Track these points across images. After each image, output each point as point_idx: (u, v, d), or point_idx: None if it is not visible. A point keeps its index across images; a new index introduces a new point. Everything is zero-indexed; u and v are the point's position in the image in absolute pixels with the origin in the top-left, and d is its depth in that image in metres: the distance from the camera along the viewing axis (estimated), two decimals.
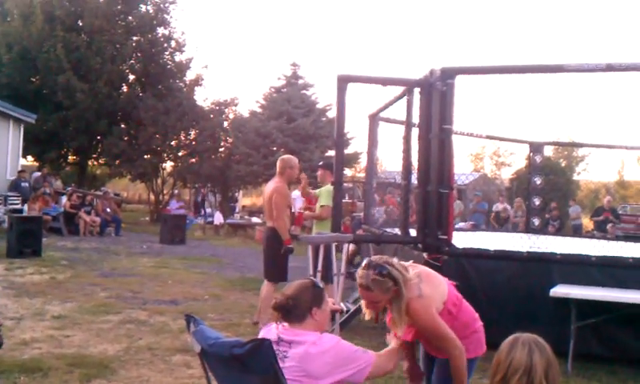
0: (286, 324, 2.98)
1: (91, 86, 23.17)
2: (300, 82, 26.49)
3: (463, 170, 32.77)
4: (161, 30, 26.21)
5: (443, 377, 3.41)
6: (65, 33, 23.19)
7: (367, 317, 3.45)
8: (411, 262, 3.45)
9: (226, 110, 26.20)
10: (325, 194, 8.15)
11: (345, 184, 16.64)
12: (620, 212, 20.41)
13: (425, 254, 6.75)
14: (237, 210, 25.35)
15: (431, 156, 6.96)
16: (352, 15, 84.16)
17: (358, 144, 25.02)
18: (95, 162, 28.75)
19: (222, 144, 25.95)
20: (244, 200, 31.97)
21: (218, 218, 21.53)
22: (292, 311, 2.97)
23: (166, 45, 26.21)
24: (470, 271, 6.82)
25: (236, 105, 26.47)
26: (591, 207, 28.25)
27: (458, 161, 42.90)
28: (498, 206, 19.24)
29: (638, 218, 23.57)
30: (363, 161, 23.00)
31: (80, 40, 23.72)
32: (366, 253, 8.77)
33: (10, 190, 18.43)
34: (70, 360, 5.67)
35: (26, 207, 16.99)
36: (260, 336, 2.92)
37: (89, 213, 17.70)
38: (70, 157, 27.13)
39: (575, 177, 35.33)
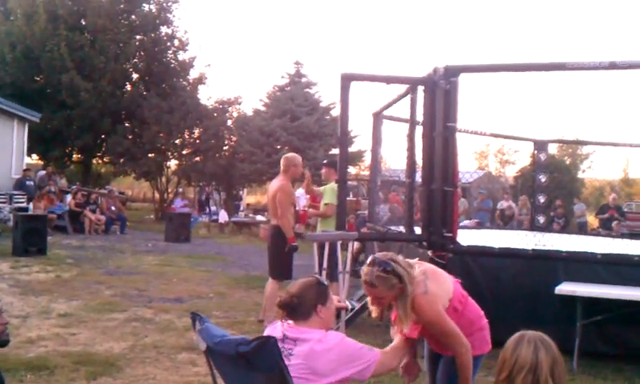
0: (291, 322, 2.98)
1: (95, 85, 23.22)
2: (303, 80, 26.48)
3: (467, 167, 32.67)
4: (164, 29, 26.30)
5: (449, 374, 3.41)
6: (68, 32, 23.24)
7: (374, 314, 3.45)
8: (417, 259, 3.45)
9: (230, 109, 26.25)
10: (329, 192, 8.14)
11: (349, 182, 16.65)
12: (625, 209, 20.33)
13: (429, 252, 6.74)
14: (241, 208, 25.35)
15: (435, 154, 6.95)
16: (355, 13, 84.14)
17: (362, 142, 25.11)
18: (100, 161, 28.83)
19: (225, 142, 25.99)
20: (248, 198, 31.98)
21: (223, 216, 21.55)
22: (297, 309, 2.98)
23: (169, 43, 26.28)
24: (474, 269, 6.81)
25: (240, 103, 26.53)
26: (596, 205, 28.18)
27: (463, 159, 42.77)
28: (503, 204, 19.22)
29: None
30: (367, 159, 23.04)
31: (83, 39, 23.78)
32: (371, 251, 8.76)
33: (15, 188, 18.50)
34: (75, 358, 5.68)
35: (31, 206, 17.02)
36: (265, 334, 2.92)
37: (94, 211, 17.74)
38: (74, 155, 27.21)
39: (580, 174, 35.23)
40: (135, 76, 26.50)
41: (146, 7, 25.94)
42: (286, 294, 3.04)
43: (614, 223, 17.42)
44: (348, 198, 10.08)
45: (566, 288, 6.28)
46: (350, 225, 11.47)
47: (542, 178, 12.49)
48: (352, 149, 24.12)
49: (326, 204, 8.24)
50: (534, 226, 12.31)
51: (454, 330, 3.22)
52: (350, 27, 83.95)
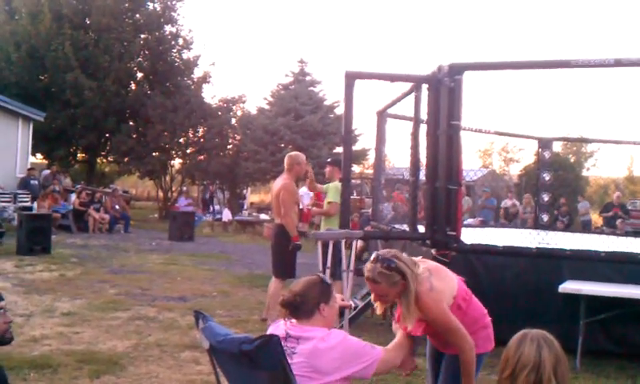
0: (294, 320, 2.99)
1: (99, 84, 23.25)
2: (307, 78, 26.45)
3: (472, 166, 32.69)
4: (168, 28, 26.30)
5: (452, 372, 3.40)
6: (73, 31, 23.25)
7: (378, 311, 3.46)
8: (421, 257, 3.45)
9: (234, 108, 26.23)
10: (332, 191, 8.14)
11: (353, 180, 16.64)
12: (629, 208, 20.24)
13: (433, 250, 6.74)
14: (245, 207, 25.36)
15: (439, 152, 6.95)
16: (359, 11, 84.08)
17: (365, 140, 25.04)
18: (104, 160, 28.85)
19: (229, 141, 25.99)
20: (252, 197, 32.00)
21: (227, 215, 21.57)
22: (300, 308, 2.98)
23: (173, 42, 26.29)
24: (478, 267, 6.81)
25: (244, 102, 26.52)
26: (600, 203, 28.13)
27: (467, 157, 42.87)
28: (507, 202, 19.19)
29: None
30: (371, 157, 22.98)
31: (88, 38, 23.80)
32: (374, 249, 8.75)
33: (19, 187, 18.54)
34: (79, 356, 5.70)
35: (35, 205, 17.06)
36: (268, 332, 2.92)
37: (98, 210, 17.77)
38: (78, 154, 27.25)
39: (584, 172, 35.17)
40: (139, 75, 26.53)
41: (150, 6, 25.96)
42: (289, 293, 3.04)
43: (618, 221, 17.39)
44: (352, 197, 10.05)
45: (569, 286, 6.27)
46: (353, 223, 11.46)
47: (547, 176, 12.48)
48: (356, 147, 24.11)
49: (329, 202, 8.24)
50: (537, 225, 12.30)
51: (458, 327, 3.22)
52: (354, 25, 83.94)
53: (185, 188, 25.52)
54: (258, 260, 13.01)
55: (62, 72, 22.95)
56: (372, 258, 3.23)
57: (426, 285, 3.20)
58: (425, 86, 7.23)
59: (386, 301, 3.30)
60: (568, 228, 16.34)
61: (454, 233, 6.77)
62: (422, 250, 6.99)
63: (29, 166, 20.15)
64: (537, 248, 6.96)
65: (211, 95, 38.78)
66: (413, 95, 7.56)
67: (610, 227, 17.02)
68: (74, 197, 18.53)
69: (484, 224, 15.53)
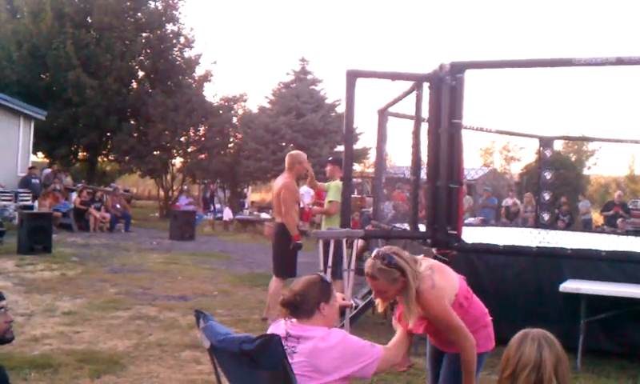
0: (294, 320, 2.99)
1: (101, 83, 23.26)
2: (309, 77, 26.42)
3: (473, 164, 32.69)
4: (170, 27, 26.31)
5: (453, 371, 3.40)
6: (74, 30, 23.26)
7: (379, 309, 3.46)
8: (422, 256, 3.45)
9: (235, 106, 26.24)
10: (333, 190, 8.13)
11: (354, 179, 16.63)
12: (630, 207, 20.23)
13: (434, 250, 6.73)
14: (246, 206, 25.37)
15: (440, 151, 6.94)
16: (361, 10, 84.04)
17: (367, 139, 24.93)
18: (105, 159, 28.87)
19: (231, 140, 25.98)
20: (253, 196, 32.01)
21: (227, 214, 21.56)
22: (300, 307, 2.98)
23: (175, 41, 26.30)
24: (479, 266, 6.81)
25: (245, 101, 26.51)
26: (601, 202, 28.11)
27: (468, 156, 42.85)
28: (508, 201, 19.17)
29: None
30: (372, 156, 22.95)
31: (89, 37, 23.81)
32: (375, 248, 8.74)
33: (20, 186, 18.55)
34: (79, 356, 5.70)
35: (36, 204, 17.07)
36: (269, 332, 2.92)
37: (99, 209, 17.76)
38: (80, 153, 27.26)
39: (585, 171, 35.16)
40: (141, 74, 26.52)
41: (152, 5, 25.98)
42: (289, 292, 3.04)
43: (619, 220, 17.35)
44: (352, 196, 10.05)
45: (570, 285, 6.27)
46: (354, 222, 11.46)
47: (548, 175, 12.47)
48: (357, 146, 24.06)
49: (330, 201, 8.23)
50: (538, 224, 12.29)
51: (460, 324, 3.22)
52: (355, 24, 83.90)
53: (186, 187, 25.55)
54: (258, 259, 13.01)
55: (63, 71, 22.96)
56: (373, 254, 3.24)
57: (428, 282, 3.20)
58: (426, 85, 7.22)
59: (386, 297, 3.30)
60: (569, 227, 16.31)
61: (454, 232, 6.76)
62: (422, 250, 6.98)
63: (30, 165, 20.17)
64: (537, 247, 6.95)
65: (212, 94, 38.79)
66: (414, 94, 7.56)
67: (610, 226, 16.99)
68: (74, 196, 18.54)
69: (485, 223, 15.51)
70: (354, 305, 6.96)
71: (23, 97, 21.29)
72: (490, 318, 3.51)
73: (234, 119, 25.98)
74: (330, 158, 9.13)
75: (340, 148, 22.77)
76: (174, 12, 26.17)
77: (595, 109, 66.62)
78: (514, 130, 15.93)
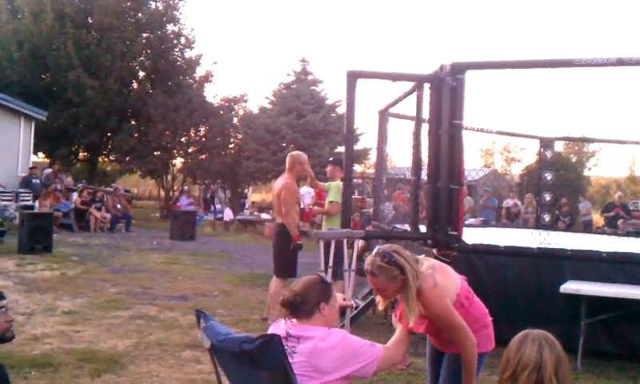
0: (294, 320, 2.99)
1: (101, 83, 23.27)
2: (309, 77, 26.43)
3: (473, 165, 32.74)
4: (170, 27, 26.32)
5: (453, 371, 3.40)
6: (75, 30, 23.27)
7: (380, 307, 3.46)
8: (423, 255, 3.45)
9: (236, 107, 26.25)
10: (334, 190, 8.13)
11: (354, 180, 16.63)
12: (631, 208, 20.19)
13: (434, 250, 6.73)
14: (246, 206, 25.36)
15: (441, 152, 6.94)
16: (361, 10, 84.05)
17: (367, 140, 24.94)
18: (106, 159, 28.88)
19: (231, 140, 26.00)
20: (253, 196, 32.00)
21: (228, 214, 21.56)
22: (300, 307, 2.98)
23: (175, 41, 26.31)
24: (479, 267, 6.80)
25: (245, 101, 26.53)
26: (602, 203, 28.05)
27: (468, 156, 42.70)
28: (509, 202, 19.16)
29: None
30: (373, 157, 22.94)
31: (90, 37, 23.81)
32: None
33: (21, 186, 18.56)
34: (80, 355, 5.70)
35: (37, 203, 17.08)
36: (269, 332, 2.92)
37: (99, 209, 17.77)
38: (80, 153, 27.28)
39: (586, 172, 35.10)
40: (141, 74, 26.54)
41: (152, 5, 25.99)
42: (289, 293, 3.04)
43: (620, 221, 17.34)
44: (353, 196, 10.06)
45: (570, 286, 6.27)
46: (355, 223, 11.46)
47: (548, 176, 12.46)
48: (357, 146, 24.07)
49: (330, 202, 8.23)
50: (539, 225, 12.28)
51: (461, 324, 3.22)
52: (356, 24, 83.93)
53: (186, 187, 25.55)
54: (259, 259, 13.02)
55: (64, 71, 22.97)
56: (373, 252, 3.25)
57: (430, 281, 3.21)
58: (427, 86, 7.22)
59: (386, 295, 3.30)
60: (569, 228, 16.30)
61: (455, 233, 6.76)
62: (423, 250, 6.98)
63: (30, 165, 20.18)
64: (538, 248, 6.95)
65: (213, 94, 38.72)
66: (415, 94, 7.56)
67: (611, 227, 16.98)
68: (75, 196, 18.55)
69: (485, 224, 15.51)
70: (354, 305, 6.95)
71: (24, 97, 21.30)
72: (491, 319, 3.51)
73: (235, 120, 26.00)
74: (331, 159, 9.13)
75: (341, 149, 22.76)
76: (175, 12, 26.18)
77: (596, 110, 66.69)
78: (514, 131, 15.87)
